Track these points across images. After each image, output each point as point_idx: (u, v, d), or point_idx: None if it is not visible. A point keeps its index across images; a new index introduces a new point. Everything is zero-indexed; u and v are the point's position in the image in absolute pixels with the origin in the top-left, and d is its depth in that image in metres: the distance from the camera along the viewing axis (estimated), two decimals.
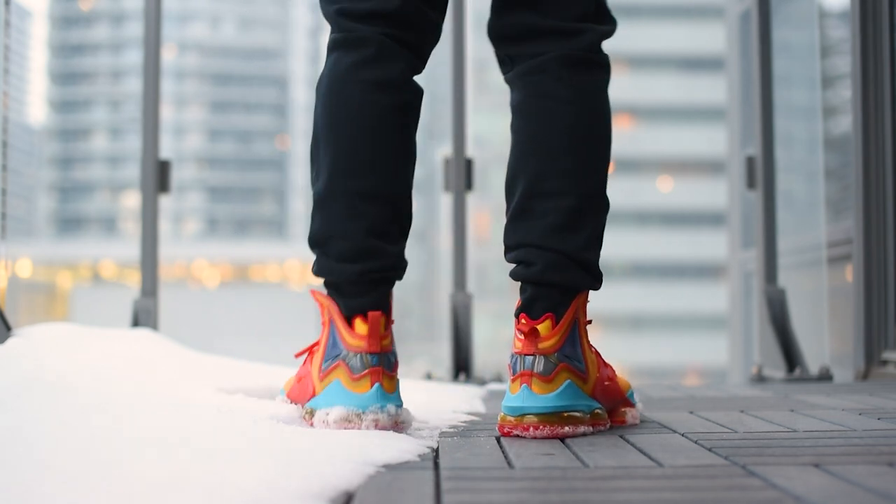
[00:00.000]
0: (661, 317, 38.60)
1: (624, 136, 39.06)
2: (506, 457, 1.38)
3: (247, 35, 54.93)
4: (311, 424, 1.63)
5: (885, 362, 3.19)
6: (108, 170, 53.47)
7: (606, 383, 1.71)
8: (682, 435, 1.57)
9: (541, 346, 1.61)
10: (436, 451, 1.43)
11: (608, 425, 1.68)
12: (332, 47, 1.73)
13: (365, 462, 1.28)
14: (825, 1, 5.56)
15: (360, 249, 1.64)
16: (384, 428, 1.58)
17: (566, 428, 1.58)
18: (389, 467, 1.29)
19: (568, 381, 1.61)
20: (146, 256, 3.51)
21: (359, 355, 1.62)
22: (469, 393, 2.45)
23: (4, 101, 3.03)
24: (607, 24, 1.76)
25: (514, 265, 1.70)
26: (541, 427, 1.57)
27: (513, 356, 1.63)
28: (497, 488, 1.16)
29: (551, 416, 1.58)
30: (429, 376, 3.41)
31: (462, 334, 3.54)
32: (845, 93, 4.38)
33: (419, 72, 1.75)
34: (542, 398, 1.59)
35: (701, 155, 40.84)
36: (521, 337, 1.62)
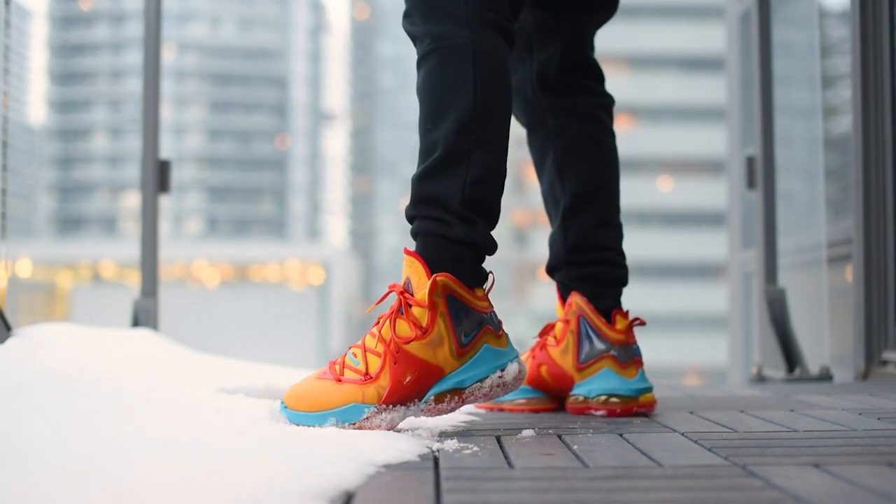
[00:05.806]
0: (661, 317, 38.60)
1: (624, 136, 39.08)
2: (506, 457, 1.38)
3: (247, 35, 54.92)
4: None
5: (885, 362, 3.19)
6: (108, 170, 53.50)
7: None
8: (682, 435, 1.57)
9: (633, 337, 1.98)
10: (436, 452, 1.43)
11: None
12: (487, 24, 1.68)
13: (365, 462, 1.28)
14: (825, 1, 5.56)
15: (492, 228, 1.72)
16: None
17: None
18: (389, 467, 1.29)
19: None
20: (146, 256, 3.51)
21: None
22: None
23: (4, 101, 3.03)
24: None
25: (596, 263, 2.00)
26: (655, 404, 1.93)
27: (615, 346, 1.94)
28: (497, 488, 1.15)
29: (652, 394, 1.94)
30: None
31: None
32: (845, 93, 4.38)
33: None
34: (647, 380, 1.95)
35: (701, 155, 40.85)
36: (620, 328, 1.95)
